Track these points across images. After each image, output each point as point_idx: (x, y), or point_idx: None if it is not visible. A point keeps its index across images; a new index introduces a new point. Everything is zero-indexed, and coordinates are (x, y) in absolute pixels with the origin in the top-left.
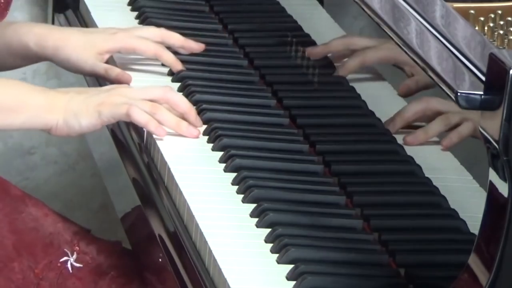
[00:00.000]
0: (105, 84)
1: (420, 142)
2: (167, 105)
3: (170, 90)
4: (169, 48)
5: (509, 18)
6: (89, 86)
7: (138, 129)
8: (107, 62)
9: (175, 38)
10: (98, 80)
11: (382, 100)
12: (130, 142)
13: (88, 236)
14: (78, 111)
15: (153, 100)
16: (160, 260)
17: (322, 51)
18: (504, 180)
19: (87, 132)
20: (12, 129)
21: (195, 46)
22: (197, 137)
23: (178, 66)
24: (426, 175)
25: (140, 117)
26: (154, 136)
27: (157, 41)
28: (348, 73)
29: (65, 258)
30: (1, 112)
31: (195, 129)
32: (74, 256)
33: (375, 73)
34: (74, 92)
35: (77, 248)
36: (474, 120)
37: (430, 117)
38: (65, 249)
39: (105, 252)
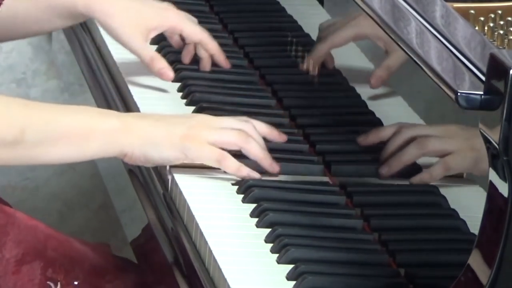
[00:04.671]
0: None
1: (397, 170)
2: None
3: (254, 129)
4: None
5: (509, 18)
6: (89, 86)
7: None
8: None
9: (213, 44)
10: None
11: (382, 100)
12: None
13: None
14: (160, 141)
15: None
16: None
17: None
18: (504, 180)
19: (165, 164)
20: (83, 160)
21: (225, 62)
22: (279, 172)
23: (221, 57)
24: None
25: (231, 167)
26: None
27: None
28: (319, 59)
29: None
30: (72, 142)
31: (277, 165)
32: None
33: None
34: (152, 119)
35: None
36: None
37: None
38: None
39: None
